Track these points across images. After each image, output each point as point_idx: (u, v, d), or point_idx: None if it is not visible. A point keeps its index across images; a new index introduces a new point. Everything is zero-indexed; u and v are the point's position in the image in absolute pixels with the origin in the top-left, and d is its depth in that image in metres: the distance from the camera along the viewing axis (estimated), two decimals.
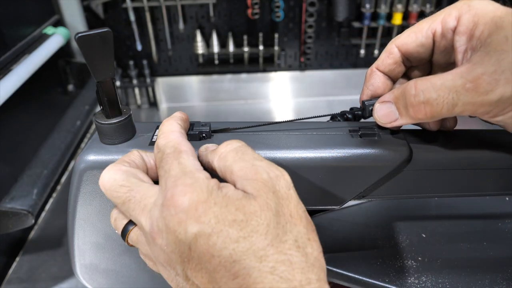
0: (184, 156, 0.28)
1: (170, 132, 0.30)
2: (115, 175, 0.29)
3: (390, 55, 0.35)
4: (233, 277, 0.23)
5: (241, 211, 0.24)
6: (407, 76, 0.38)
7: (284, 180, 0.27)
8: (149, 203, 0.27)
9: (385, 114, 0.32)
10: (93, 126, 1.28)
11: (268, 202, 0.25)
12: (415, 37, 0.33)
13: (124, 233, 0.31)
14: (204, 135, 0.36)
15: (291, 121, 0.39)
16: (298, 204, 0.26)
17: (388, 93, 0.33)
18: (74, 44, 1.28)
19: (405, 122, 0.32)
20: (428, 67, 0.37)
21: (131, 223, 0.30)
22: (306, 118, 0.39)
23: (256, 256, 0.23)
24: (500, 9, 0.28)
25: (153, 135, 0.37)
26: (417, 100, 0.29)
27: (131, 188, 0.28)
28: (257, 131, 0.38)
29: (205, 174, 0.27)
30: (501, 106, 0.27)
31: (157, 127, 0.39)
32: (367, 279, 0.41)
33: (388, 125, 0.33)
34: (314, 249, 0.24)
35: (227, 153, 0.28)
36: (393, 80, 0.37)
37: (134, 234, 0.30)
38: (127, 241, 0.31)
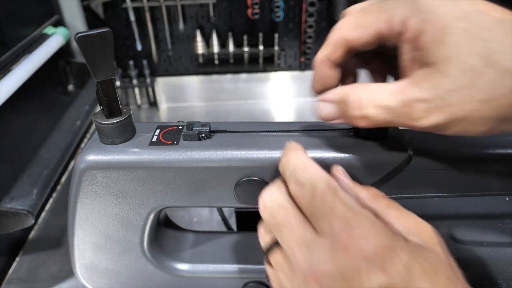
0: (342, 193, 0.25)
1: (308, 165, 0.28)
2: (276, 193, 0.28)
3: (336, 48, 0.30)
4: None
5: (427, 261, 0.22)
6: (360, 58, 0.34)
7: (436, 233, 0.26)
8: (307, 238, 0.25)
9: (327, 113, 0.31)
10: (93, 126, 1.28)
11: (443, 252, 0.24)
12: (360, 33, 0.29)
13: (269, 249, 0.29)
14: (203, 135, 0.36)
15: (291, 122, 0.39)
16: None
17: (331, 92, 0.31)
18: (74, 44, 1.28)
19: (346, 123, 0.31)
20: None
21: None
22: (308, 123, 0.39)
23: None
24: (450, 13, 0.25)
25: (153, 135, 0.37)
26: (356, 113, 0.29)
27: (286, 209, 0.27)
28: (257, 130, 0.38)
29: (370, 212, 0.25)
30: (432, 130, 0.27)
31: (157, 127, 0.39)
32: None
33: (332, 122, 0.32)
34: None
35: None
36: (344, 67, 0.33)
37: (280, 257, 0.28)
38: (267, 257, 0.29)
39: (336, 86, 0.33)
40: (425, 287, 0.21)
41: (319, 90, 0.33)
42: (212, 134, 0.37)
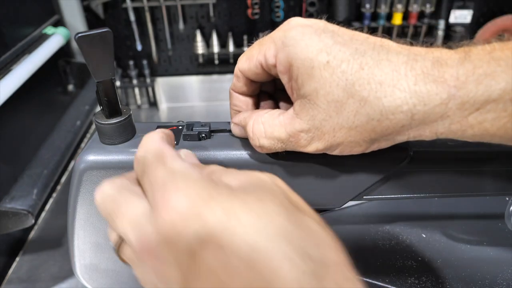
0: (169, 159, 0.24)
1: (149, 141, 0.26)
2: (105, 187, 0.25)
3: (238, 78, 0.33)
4: (252, 272, 0.18)
5: (252, 196, 0.21)
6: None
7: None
8: (136, 217, 0.23)
9: (238, 133, 0.35)
10: (93, 126, 1.28)
11: (277, 187, 0.24)
12: (248, 65, 0.31)
13: (118, 247, 0.27)
14: (203, 135, 0.36)
15: None
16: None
17: (237, 117, 0.34)
18: (74, 44, 1.28)
19: None
20: None
21: None
22: None
23: (285, 239, 0.19)
24: (311, 46, 0.27)
25: None
26: (253, 143, 0.32)
27: (115, 198, 0.25)
28: None
29: (199, 171, 0.23)
30: (319, 152, 0.30)
31: (157, 127, 0.39)
32: (367, 279, 0.41)
33: None
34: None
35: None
36: (254, 94, 0.35)
37: (126, 249, 0.26)
38: (119, 256, 0.27)
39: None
40: (251, 222, 0.19)
41: (233, 116, 0.36)
42: (212, 134, 0.37)
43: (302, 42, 0.27)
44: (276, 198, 0.22)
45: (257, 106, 0.36)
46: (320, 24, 0.28)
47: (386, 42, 0.27)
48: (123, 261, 0.28)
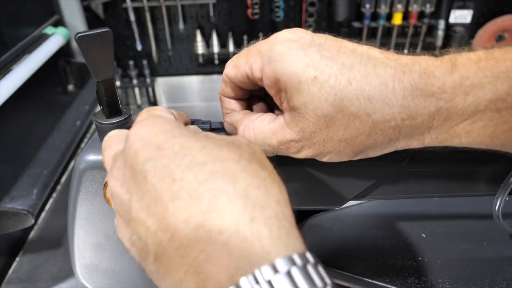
0: (157, 110, 0.26)
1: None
2: (111, 132, 0.29)
3: (226, 84, 0.33)
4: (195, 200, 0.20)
5: (212, 143, 0.22)
6: None
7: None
8: (116, 150, 0.25)
9: (231, 131, 0.35)
10: (93, 126, 1.28)
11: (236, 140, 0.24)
12: (235, 73, 0.31)
13: (104, 186, 0.29)
14: None
15: None
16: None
17: (230, 116, 0.34)
18: (74, 44, 1.28)
19: None
20: None
21: None
22: None
23: (231, 178, 0.21)
24: (298, 61, 0.27)
25: None
26: None
27: (110, 138, 0.28)
28: None
29: (177, 121, 0.25)
30: (309, 157, 0.30)
31: None
32: (367, 279, 0.41)
33: None
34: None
35: None
36: (244, 98, 0.35)
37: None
38: (104, 195, 0.29)
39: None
40: (202, 160, 0.21)
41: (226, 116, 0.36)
42: (212, 131, 0.37)
43: (288, 58, 0.27)
44: (237, 149, 0.23)
45: (248, 108, 0.35)
46: (307, 37, 0.28)
47: (373, 53, 0.27)
48: (107, 201, 0.30)
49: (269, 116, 0.31)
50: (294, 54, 0.27)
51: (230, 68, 0.31)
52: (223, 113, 0.35)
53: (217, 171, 0.21)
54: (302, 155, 0.30)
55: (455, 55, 0.26)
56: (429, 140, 0.27)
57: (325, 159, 0.30)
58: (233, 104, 0.34)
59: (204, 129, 0.36)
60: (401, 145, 0.28)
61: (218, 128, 0.38)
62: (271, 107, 0.35)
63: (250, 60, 0.29)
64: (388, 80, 0.25)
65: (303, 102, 0.27)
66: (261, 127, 0.30)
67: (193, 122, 0.36)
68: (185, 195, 0.20)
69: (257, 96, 0.35)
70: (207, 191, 0.20)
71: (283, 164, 0.35)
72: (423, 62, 0.26)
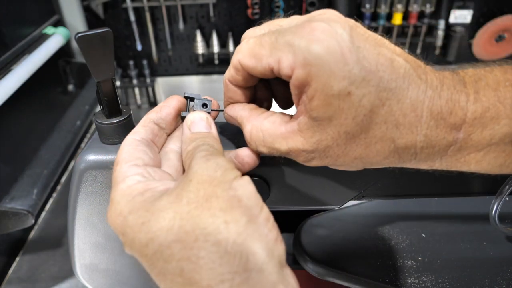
0: (117, 168, 0.28)
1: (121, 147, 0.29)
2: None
3: (237, 71, 0.30)
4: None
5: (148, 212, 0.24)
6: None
7: None
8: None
9: (231, 122, 0.33)
10: (93, 126, 1.28)
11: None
12: (255, 64, 0.28)
13: None
14: (205, 103, 0.34)
15: None
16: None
17: (234, 108, 0.32)
18: (74, 44, 1.28)
19: None
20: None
21: None
22: None
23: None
24: (336, 73, 0.24)
25: None
26: (251, 146, 0.30)
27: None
28: None
29: (132, 180, 0.26)
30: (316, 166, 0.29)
31: None
32: (367, 279, 0.41)
33: None
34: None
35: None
36: (252, 85, 0.32)
37: None
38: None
39: (247, 102, 0.33)
40: (143, 237, 0.24)
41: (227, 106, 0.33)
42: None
43: (326, 66, 0.24)
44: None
45: (253, 97, 0.33)
46: (346, 37, 0.25)
47: (407, 66, 0.25)
48: None
49: (280, 117, 0.29)
50: (333, 62, 0.24)
51: (248, 58, 0.28)
52: (225, 101, 0.33)
53: None
54: (310, 164, 0.29)
55: (475, 77, 0.26)
56: (439, 165, 0.27)
57: (332, 167, 0.29)
58: (239, 94, 0.32)
59: (205, 103, 0.34)
60: (412, 165, 0.28)
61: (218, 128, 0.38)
62: (276, 92, 0.34)
63: (278, 54, 0.26)
64: (418, 107, 0.25)
65: (328, 115, 0.25)
66: (271, 130, 0.29)
67: (192, 99, 0.34)
68: None
69: (262, 80, 0.33)
70: None
71: (283, 164, 0.35)
72: (450, 85, 0.25)
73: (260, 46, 0.28)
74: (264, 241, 0.23)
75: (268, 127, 0.29)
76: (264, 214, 0.24)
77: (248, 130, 0.30)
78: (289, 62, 0.26)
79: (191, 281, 0.22)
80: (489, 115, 0.24)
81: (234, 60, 0.30)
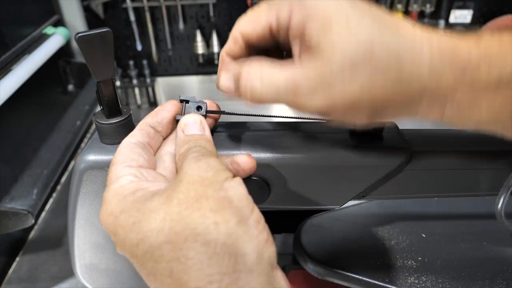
0: (112, 169, 0.28)
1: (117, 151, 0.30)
2: None
3: (236, 41, 0.31)
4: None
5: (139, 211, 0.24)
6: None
7: None
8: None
9: (225, 85, 0.31)
10: (93, 126, 1.28)
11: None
12: (254, 27, 0.29)
13: None
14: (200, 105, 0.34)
15: (289, 122, 0.39)
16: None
17: (234, 64, 0.31)
18: (74, 44, 1.28)
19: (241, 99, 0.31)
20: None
21: None
22: (306, 119, 0.39)
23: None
24: (334, 6, 0.26)
25: None
26: (245, 90, 0.29)
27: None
28: (257, 129, 0.38)
29: (124, 180, 0.27)
30: (317, 112, 0.28)
31: None
32: (367, 279, 0.41)
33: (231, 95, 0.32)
34: None
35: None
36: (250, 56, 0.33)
37: None
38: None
39: None
40: (134, 238, 0.24)
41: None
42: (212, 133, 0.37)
43: (320, 4, 0.26)
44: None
45: None
46: None
47: (401, 20, 0.26)
48: None
49: (277, 60, 0.29)
50: (326, 1, 0.26)
51: (246, 23, 0.30)
52: (220, 74, 0.33)
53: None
54: (311, 104, 0.27)
55: (477, 34, 0.26)
56: (450, 110, 0.26)
57: (337, 115, 0.28)
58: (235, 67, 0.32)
59: (200, 105, 0.34)
60: (422, 111, 0.27)
61: (217, 130, 0.38)
62: None
63: (274, 8, 0.28)
64: (417, 39, 0.25)
65: (331, 40, 0.25)
66: (270, 64, 0.28)
67: (187, 102, 0.34)
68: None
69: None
70: None
71: (283, 164, 0.35)
72: (449, 34, 0.26)
73: (258, 12, 0.29)
74: (254, 242, 0.23)
75: (267, 62, 0.29)
76: (254, 216, 0.24)
77: (246, 69, 0.29)
78: (286, 11, 0.27)
79: (180, 282, 0.22)
80: (494, 54, 0.24)
81: (233, 30, 0.31)
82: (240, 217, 0.23)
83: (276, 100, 0.28)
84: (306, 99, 0.27)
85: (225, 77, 0.31)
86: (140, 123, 0.33)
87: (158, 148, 0.33)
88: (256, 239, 0.23)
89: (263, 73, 0.28)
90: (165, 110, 0.33)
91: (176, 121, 0.33)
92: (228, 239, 0.22)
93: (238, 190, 0.24)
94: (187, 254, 0.22)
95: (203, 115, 0.32)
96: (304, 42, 0.27)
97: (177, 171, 0.29)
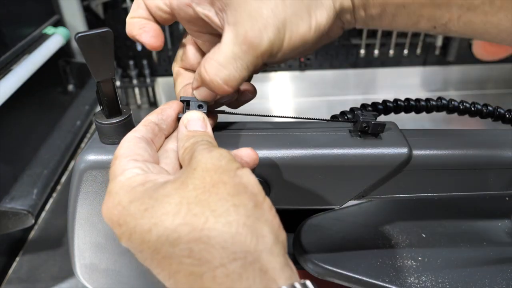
0: (116, 162, 0.27)
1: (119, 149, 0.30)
2: None
3: (138, 7, 0.33)
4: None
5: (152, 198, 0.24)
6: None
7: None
8: None
9: (206, 95, 0.33)
10: (93, 126, 1.28)
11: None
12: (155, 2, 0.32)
13: None
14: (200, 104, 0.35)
15: (290, 117, 0.39)
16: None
17: (191, 82, 0.33)
18: (74, 44, 1.28)
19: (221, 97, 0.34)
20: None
21: None
22: (305, 118, 0.39)
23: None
24: None
25: None
26: (215, 84, 0.30)
27: None
28: (257, 129, 0.38)
29: (131, 173, 0.26)
30: (273, 47, 0.29)
31: None
32: (367, 279, 0.41)
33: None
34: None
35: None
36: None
37: None
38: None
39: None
40: (146, 223, 0.24)
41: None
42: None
43: None
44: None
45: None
46: None
47: None
48: None
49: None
50: None
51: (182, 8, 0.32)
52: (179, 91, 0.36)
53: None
54: (264, 41, 0.28)
55: None
56: (457, 11, 0.27)
57: (286, 44, 0.29)
58: (187, 77, 0.37)
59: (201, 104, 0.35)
60: (427, 12, 0.28)
61: (218, 129, 0.38)
62: None
63: None
64: None
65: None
66: (215, 49, 0.30)
67: (188, 103, 0.35)
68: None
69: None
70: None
71: (283, 164, 0.35)
72: None
73: None
74: (270, 225, 0.24)
75: (212, 50, 0.30)
76: (268, 202, 0.25)
77: (203, 68, 0.31)
78: None
79: (201, 261, 0.22)
80: None
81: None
82: (255, 202, 0.24)
83: (246, 70, 0.30)
84: (259, 43, 0.28)
85: (201, 90, 0.33)
86: (144, 120, 0.33)
87: (161, 146, 0.33)
88: (271, 223, 0.24)
89: (218, 59, 0.29)
90: (171, 108, 0.34)
91: (178, 119, 0.34)
92: (247, 220, 0.23)
93: (250, 177, 0.25)
94: (209, 234, 0.22)
95: (204, 113, 0.33)
96: (215, 4, 0.29)
97: (181, 166, 0.29)
